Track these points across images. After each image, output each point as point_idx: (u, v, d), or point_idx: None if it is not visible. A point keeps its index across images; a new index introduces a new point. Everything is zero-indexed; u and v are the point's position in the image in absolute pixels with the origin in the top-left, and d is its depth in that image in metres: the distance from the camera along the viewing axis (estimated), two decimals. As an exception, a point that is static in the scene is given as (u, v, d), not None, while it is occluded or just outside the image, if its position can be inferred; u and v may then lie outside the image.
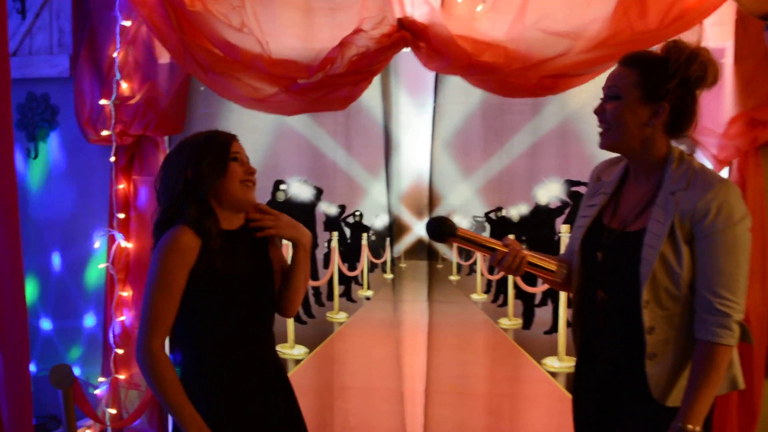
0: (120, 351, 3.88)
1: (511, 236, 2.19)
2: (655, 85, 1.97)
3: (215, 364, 2.10)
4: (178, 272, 2.01)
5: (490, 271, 3.94)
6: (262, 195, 4.07)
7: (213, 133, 2.16)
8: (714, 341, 1.90)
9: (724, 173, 3.38)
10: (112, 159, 3.85)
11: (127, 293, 3.87)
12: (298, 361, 4.14)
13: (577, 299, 2.21)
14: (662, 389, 1.99)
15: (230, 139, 2.15)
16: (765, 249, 3.27)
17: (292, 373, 4.11)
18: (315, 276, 4.17)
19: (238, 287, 2.11)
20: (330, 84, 3.27)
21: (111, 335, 3.85)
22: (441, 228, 2.12)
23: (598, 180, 2.25)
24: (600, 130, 2.07)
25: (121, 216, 3.86)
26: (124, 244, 3.86)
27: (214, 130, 2.18)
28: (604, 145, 2.08)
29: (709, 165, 3.26)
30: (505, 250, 2.10)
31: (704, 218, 1.91)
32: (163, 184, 2.12)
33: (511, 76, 3.18)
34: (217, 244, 2.06)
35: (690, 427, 1.87)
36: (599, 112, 2.06)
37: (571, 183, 4.47)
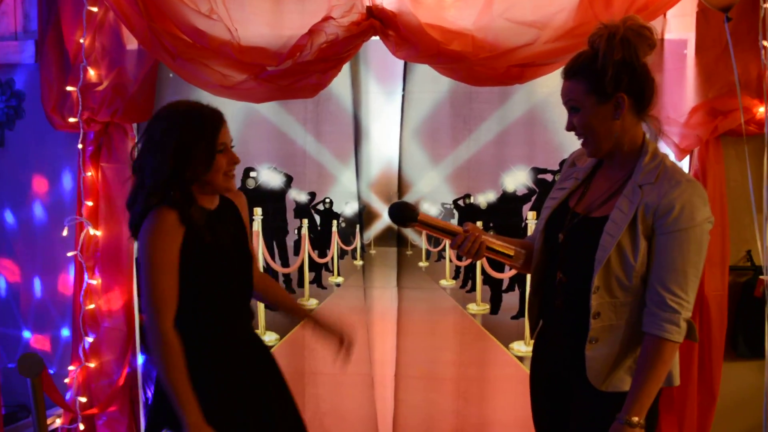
0: (89, 339, 3.84)
1: (476, 223, 2.21)
2: (601, 85, 1.98)
3: (209, 335, 2.15)
4: (171, 250, 2.03)
5: (459, 257, 3.98)
6: (235, 181, 4.04)
7: (201, 117, 2.11)
8: (663, 336, 1.94)
9: (685, 162, 3.44)
10: (80, 146, 3.80)
11: (96, 281, 3.83)
12: (269, 348, 4.14)
13: (536, 279, 2.24)
14: (597, 374, 2.02)
15: (218, 125, 2.13)
16: (724, 237, 3.34)
17: (263, 360, 4.10)
18: (285, 263, 4.16)
19: (226, 256, 2.17)
20: (299, 71, 3.26)
21: (80, 323, 3.82)
22: (402, 212, 2.14)
23: (572, 165, 2.28)
24: (581, 141, 2.10)
25: (90, 203, 3.82)
26: (92, 231, 3.82)
27: (201, 107, 2.14)
28: (592, 154, 2.11)
29: (670, 153, 3.32)
30: (465, 234, 2.12)
31: (667, 215, 1.93)
32: (146, 166, 2.10)
33: (479, 65, 3.20)
34: (202, 221, 2.10)
35: (635, 419, 1.91)
36: (570, 128, 2.09)
37: (537, 171, 4.51)
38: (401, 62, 3.71)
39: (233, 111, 3.94)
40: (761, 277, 3.26)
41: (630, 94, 1.99)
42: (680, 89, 3.29)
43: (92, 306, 3.88)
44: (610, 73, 1.95)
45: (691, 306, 1.96)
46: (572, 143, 2.31)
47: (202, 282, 2.12)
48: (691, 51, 3.29)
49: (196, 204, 2.12)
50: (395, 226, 3.95)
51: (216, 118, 2.14)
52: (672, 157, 3.24)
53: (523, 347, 3.88)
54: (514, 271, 3.72)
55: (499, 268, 3.92)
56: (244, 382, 2.20)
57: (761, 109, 3.21)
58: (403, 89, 3.85)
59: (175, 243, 2.05)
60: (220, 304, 2.17)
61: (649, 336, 1.96)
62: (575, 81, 2.02)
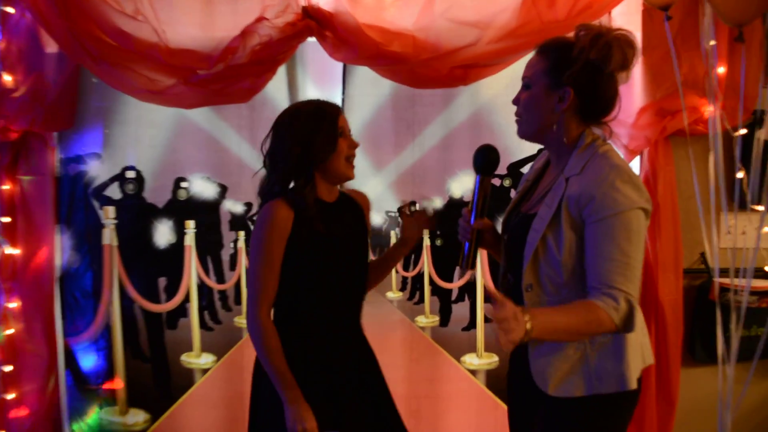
0: (8, 368, 3.72)
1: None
2: (559, 71, 2.01)
3: (311, 323, 2.30)
4: (276, 244, 2.22)
5: (405, 267, 3.98)
6: (162, 193, 4.00)
7: (320, 106, 2.31)
8: (596, 303, 1.87)
9: (635, 163, 3.51)
10: (-6, 158, 3.68)
11: (14, 304, 3.71)
12: (205, 371, 4.08)
13: (500, 283, 2.27)
14: (543, 377, 2.02)
15: (337, 112, 2.31)
16: (677, 239, 3.40)
17: (200, 384, 4.04)
18: (221, 278, 4.11)
19: (339, 247, 2.31)
20: (232, 75, 3.23)
21: (-3, 350, 3.69)
22: (490, 157, 2.18)
23: (531, 168, 2.33)
24: (516, 119, 2.12)
25: (7, 220, 3.70)
26: (9, 250, 3.71)
27: (318, 100, 2.33)
28: (519, 133, 2.13)
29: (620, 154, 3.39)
30: (478, 224, 2.23)
31: (589, 204, 1.94)
32: (273, 157, 2.30)
33: (421, 66, 3.21)
34: (314, 210, 2.26)
35: (527, 318, 1.76)
36: (515, 101, 2.12)
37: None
38: (340, 64, 3.71)
39: (162, 118, 3.88)
40: (714, 279, 3.33)
41: (579, 94, 2.02)
42: (628, 89, 3.35)
43: (10, 331, 3.75)
44: (575, 67, 1.98)
45: (633, 297, 1.90)
46: (519, 146, 2.35)
47: (308, 270, 2.27)
48: (639, 52, 3.35)
49: (314, 192, 2.28)
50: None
51: (334, 106, 2.33)
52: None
53: (476, 360, 3.90)
54: (463, 281, 3.74)
55: (448, 278, 3.93)
56: (342, 374, 2.33)
57: (710, 109, 3.26)
58: (343, 93, 3.85)
59: (282, 237, 2.22)
60: (325, 295, 2.30)
61: (581, 300, 1.91)
62: (541, 57, 2.06)
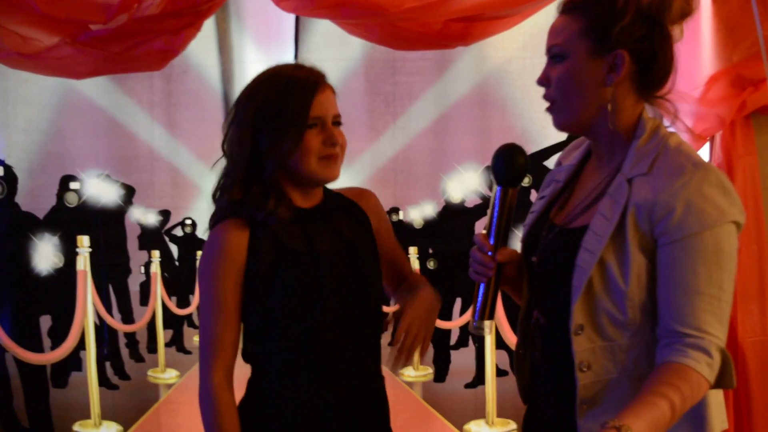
0: None
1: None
2: (604, 29, 1.98)
3: (296, 389, 2.18)
4: (226, 282, 2.13)
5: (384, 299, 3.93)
6: (43, 198, 3.93)
7: (294, 75, 2.17)
8: (685, 363, 1.90)
9: (703, 152, 3.48)
10: None
11: None
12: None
13: (520, 323, 2.21)
14: None
15: (312, 90, 2.16)
16: (762, 257, 3.37)
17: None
18: (128, 317, 4.04)
19: (326, 267, 2.18)
20: (138, 32, 3.18)
21: None
22: (515, 160, 2.08)
23: (558, 165, 2.27)
24: (547, 105, 2.08)
25: None
26: None
27: (299, 65, 2.19)
28: (557, 125, 2.08)
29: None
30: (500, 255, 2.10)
31: (667, 217, 1.90)
32: (229, 146, 2.20)
33: (404, 20, 3.18)
34: (281, 224, 2.15)
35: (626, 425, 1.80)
36: (543, 81, 2.07)
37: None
38: (291, 17, 3.66)
39: (42, 92, 3.82)
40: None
41: (636, 58, 1.99)
42: (692, 51, 3.32)
43: None
44: (627, 18, 1.95)
45: (722, 340, 1.93)
46: (543, 131, 2.29)
47: (283, 305, 2.16)
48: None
49: (283, 200, 2.16)
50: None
51: (310, 81, 2.17)
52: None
53: (485, 429, 3.85)
54: (464, 319, 3.69)
55: (445, 313, 3.89)
56: None
57: (807, 76, 3.26)
58: (296, 57, 3.81)
59: (234, 270, 2.13)
60: (312, 339, 2.17)
61: (659, 365, 1.92)
62: (572, 16, 2.01)
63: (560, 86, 2.01)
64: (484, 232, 2.11)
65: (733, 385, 1.89)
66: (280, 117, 2.13)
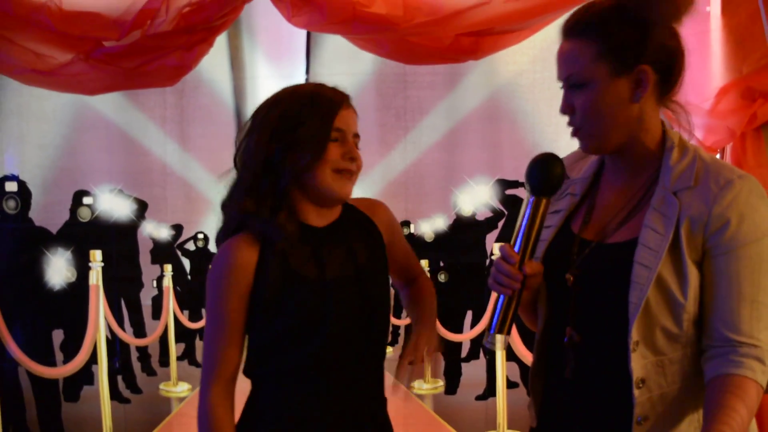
0: None
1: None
2: (622, 48, 1.98)
3: (296, 413, 2.17)
4: (232, 300, 2.12)
5: (396, 312, 3.93)
6: (56, 213, 3.95)
7: (318, 91, 2.16)
8: (739, 374, 1.90)
9: (714, 164, 3.48)
10: None
11: None
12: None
13: (541, 340, 2.20)
14: None
15: (339, 103, 2.16)
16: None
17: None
18: (140, 331, 4.05)
19: (336, 295, 2.15)
20: (151, 48, 3.19)
21: None
22: (552, 170, 2.06)
23: (566, 179, 2.26)
24: (571, 131, 2.07)
25: None
26: None
27: (321, 84, 2.18)
28: (589, 150, 2.07)
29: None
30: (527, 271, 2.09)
31: (723, 229, 1.91)
32: (244, 156, 2.17)
33: (414, 34, 3.18)
34: (290, 245, 2.12)
35: None
36: (566, 110, 2.06)
37: (505, 184, 4.52)
38: (302, 33, 3.68)
39: (56, 108, 3.84)
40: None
41: (657, 68, 1.99)
42: (703, 62, 3.32)
43: None
44: (636, 36, 1.95)
45: None
46: (551, 142, 2.29)
47: (287, 332, 2.14)
48: (716, 8, 3.35)
49: (295, 216, 2.15)
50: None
51: (338, 95, 2.17)
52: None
53: (495, 442, 3.85)
54: (476, 332, 3.69)
55: (456, 326, 3.89)
56: None
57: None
58: (307, 71, 3.82)
59: (239, 289, 2.12)
60: (317, 366, 2.15)
61: (717, 379, 1.93)
62: (581, 42, 2.00)
63: (587, 114, 1.99)
64: (511, 243, 2.09)
65: None
66: (303, 126, 2.12)
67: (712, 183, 1.89)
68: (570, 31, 1.99)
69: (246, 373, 2.23)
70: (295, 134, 2.10)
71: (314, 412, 2.20)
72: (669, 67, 1.94)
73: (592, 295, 2.01)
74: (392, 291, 2.45)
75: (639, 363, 1.92)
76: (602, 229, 2.04)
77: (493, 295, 2.14)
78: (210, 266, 2.16)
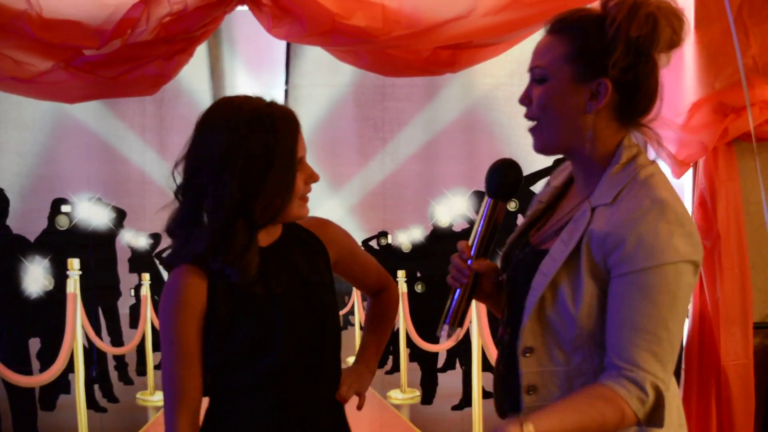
0: None
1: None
2: (590, 57, 1.98)
3: (249, 414, 2.18)
4: (187, 328, 2.10)
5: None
6: (34, 220, 3.93)
7: (273, 121, 2.08)
8: (616, 390, 1.89)
9: (687, 178, 3.50)
10: None
11: None
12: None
13: (496, 341, 2.23)
14: None
15: (296, 132, 2.12)
16: (744, 281, 3.37)
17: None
18: (118, 339, 4.04)
19: (283, 312, 2.15)
20: (131, 57, 3.20)
21: None
22: (509, 174, 2.09)
23: (547, 186, 2.28)
24: (529, 125, 2.08)
25: None
26: None
27: (270, 106, 2.10)
28: (536, 146, 2.08)
29: (665, 167, 3.38)
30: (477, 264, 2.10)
31: (617, 249, 1.89)
32: (205, 191, 2.08)
33: (394, 47, 3.21)
34: (251, 272, 2.11)
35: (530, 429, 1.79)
36: (524, 101, 2.07)
37: (482, 196, 4.50)
38: (282, 44, 3.69)
39: (35, 116, 3.83)
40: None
41: (618, 87, 1.99)
42: (676, 79, 3.35)
43: None
44: (606, 50, 1.95)
45: (659, 378, 1.92)
46: (530, 156, 2.31)
47: (242, 352, 2.14)
48: (689, 25, 3.37)
49: (255, 247, 2.12)
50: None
51: (293, 122, 2.12)
52: (669, 173, 3.29)
53: (471, 451, 3.86)
54: (452, 342, 3.71)
55: (432, 336, 3.90)
56: None
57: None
58: (286, 82, 3.83)
59: (195, 317, 2.10)
60: (272, 387, 2.16)
61: (597, 383, 1.93)
62: (559, 38, 2.01)
63: (542, 108, 2.01)
64: (468, 241, 2.13)
65: (662, 425, 1.87)
66: (271, 171, 2.07)
67: (625, 203, 1.89)
68: (552, 26, 2.01)
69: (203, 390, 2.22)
70: (265, 182, 2.07)
71: (272, 426, 2.20)
72: (634, 90, 1.94)
73: (516, 297, 2.03)
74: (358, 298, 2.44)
75: (531, 369, 1.93)
76: (544, 235, 2.06)
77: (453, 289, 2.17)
78: (161, 296, 2.13)
